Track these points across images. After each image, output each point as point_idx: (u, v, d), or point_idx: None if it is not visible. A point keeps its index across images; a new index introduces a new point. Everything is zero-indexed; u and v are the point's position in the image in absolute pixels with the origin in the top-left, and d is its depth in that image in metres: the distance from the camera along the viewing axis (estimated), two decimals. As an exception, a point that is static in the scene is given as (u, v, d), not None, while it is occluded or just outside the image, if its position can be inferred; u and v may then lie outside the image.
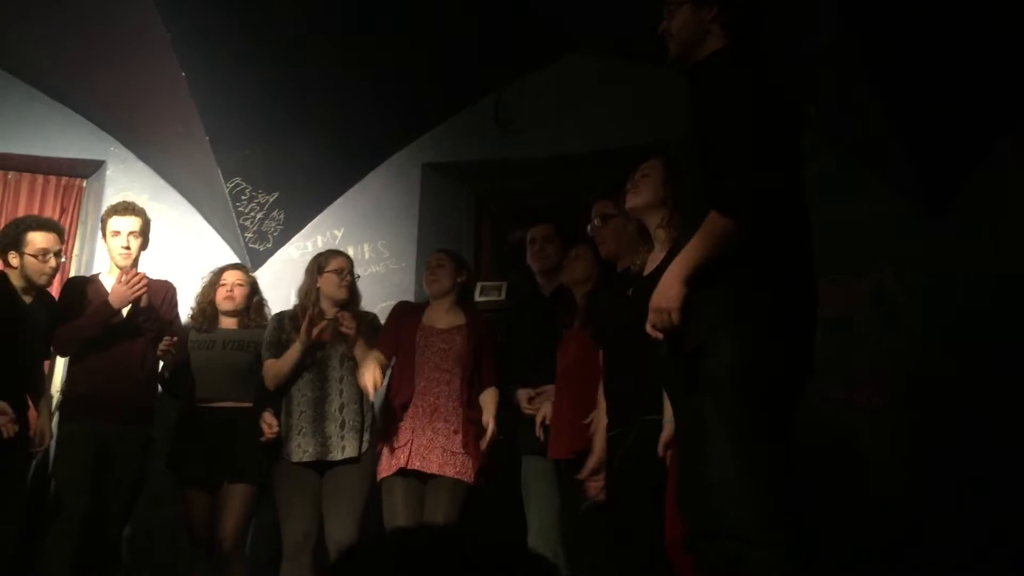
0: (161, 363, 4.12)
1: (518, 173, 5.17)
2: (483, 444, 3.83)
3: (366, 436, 3.99)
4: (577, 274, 3.75)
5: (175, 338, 4.00)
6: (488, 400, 3.92)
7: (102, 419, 3.86)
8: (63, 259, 4.05)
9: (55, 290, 4.19)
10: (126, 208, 4.06)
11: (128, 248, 4.00)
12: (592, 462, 3.28)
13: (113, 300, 3.87)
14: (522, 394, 3.86)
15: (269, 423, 3.95)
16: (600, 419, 3.28)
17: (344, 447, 3.95)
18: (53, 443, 4.09)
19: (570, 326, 3.71)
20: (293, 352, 3.99)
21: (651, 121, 4.47)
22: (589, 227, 3.50)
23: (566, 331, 3.73)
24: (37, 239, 3.85)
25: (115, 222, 4.02)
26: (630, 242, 3.30)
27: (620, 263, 3.39)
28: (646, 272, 2.93)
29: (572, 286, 3.77)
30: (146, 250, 4.15)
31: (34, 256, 3.82)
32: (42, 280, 3.87)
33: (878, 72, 3.54)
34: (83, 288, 4.05)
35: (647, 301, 2.29)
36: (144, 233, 4.08)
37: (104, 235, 4.08)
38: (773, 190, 2.16)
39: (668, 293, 2.21)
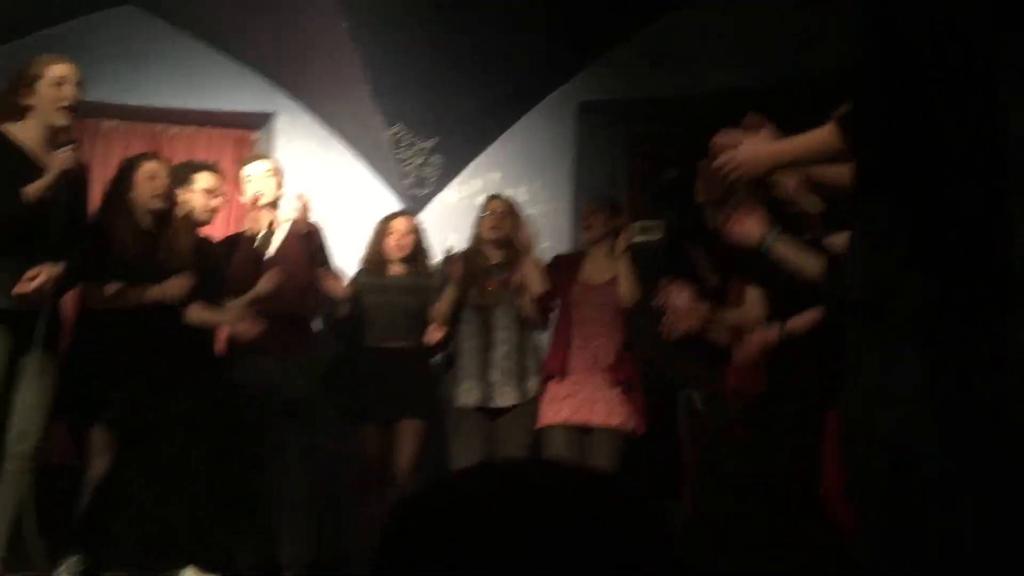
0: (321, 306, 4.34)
1: (674, 109, 5.08)
2: None
3: (530, 383, 4.08)
4: None
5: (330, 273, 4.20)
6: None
7: (266, 353, 4.08)
8: (223, 200, 4.36)
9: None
10: (255, 156, 4.47)
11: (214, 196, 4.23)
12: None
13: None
14: (676, 289, 3.57)
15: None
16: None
17: (505, 393, 4.07)
18: None
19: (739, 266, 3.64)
20: (448, 293, 4.13)
21: (820, 52, 4.29)
22: None
23: (736, 270, 3.65)
24: (205, 178, 4.15)
25: (247, 168, 4.32)
26: (800, 183, 3.19)
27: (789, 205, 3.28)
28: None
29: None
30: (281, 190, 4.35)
31: (203, 192, 4.10)
32: (206, 216, 4.15)
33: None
34: (238, 240, 4.36)
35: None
36: (278, 174, 4.33)
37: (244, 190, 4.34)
38: (909, 132, 2.02)
39: (758, 158, 2.17)
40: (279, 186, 4.30)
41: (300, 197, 4.15)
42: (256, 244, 4.21)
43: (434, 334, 4.12)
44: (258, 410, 4.07)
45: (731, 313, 3.36)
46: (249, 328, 3.91)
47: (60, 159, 3.21)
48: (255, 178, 4.26)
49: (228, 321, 3.93)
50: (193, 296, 3.81)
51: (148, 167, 3.77)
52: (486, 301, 4.15)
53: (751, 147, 2.22)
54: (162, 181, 3.75)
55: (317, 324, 4.44)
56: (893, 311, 2.07)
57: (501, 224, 4.21)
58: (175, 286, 3.69)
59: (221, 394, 4.15)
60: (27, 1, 4.85)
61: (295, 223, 4.25)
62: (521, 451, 4.00)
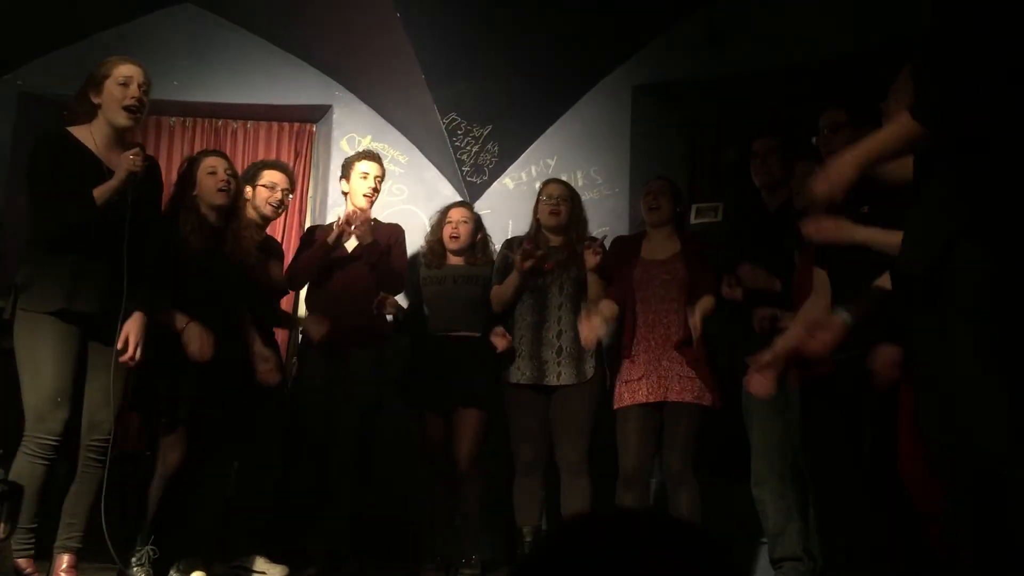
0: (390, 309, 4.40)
1: (730, 89, 5.00)
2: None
3: (588, 364, 4.07)
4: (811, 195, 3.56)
5: (388, 298, 4.32)
6: (703, 302, 3.85)
7: (337, 344, 4.17)
8: (291, 197, 4.40)
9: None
10: (373, 155, 4.48)
11: (375, 190, 4.36)
12: (765, 357, 3.13)
13: (330, 238, 4.25)
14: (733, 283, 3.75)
15: (500, 333, 4.14)
16: (793, 329, 3.14)
17: (560, 373, 4.08)
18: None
19: (803, 248, 3.58)
20: (511, 279, 4.15)
21: (875, 26, 4.18)
22: (815, 138, 3.31)
23: (800, 253, 3.61)
24: (269, 174, 4.23)
25: (364, 165, 4.39)
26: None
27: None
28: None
29: (807, 206, 3.60)
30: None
31: (264, 187, 4.18)
32: (267, 210, 4.19)
33: None
34: (318, 233, 4.43)
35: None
36: (382, 180, 4.45)
37: (349, 177, 4.40)
38: (986, 103, 1.98)
39: (841, 170, 2.18)
40: (378, 191, 4.41)
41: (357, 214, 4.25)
42: (332, 240, 4.26)
43: (499, 341, 4.15)
44: (326, 403, 4.15)
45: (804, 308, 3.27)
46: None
47: (126, 162, 3.26)
48: (369, 177, 4.35)
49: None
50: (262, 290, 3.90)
51: (208, 162, 3.83)
52: (544, 282, 4.17)
53: (827, 171, 2.23)
54: (223, 175, 3.80)
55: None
56: (948, 285, 2.02)
57: (558, 209, 4.22)
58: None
59: (290, 388, 4.23)
60: (86, 2, 4.96)
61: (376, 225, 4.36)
62: (586, 426, 4.02)
